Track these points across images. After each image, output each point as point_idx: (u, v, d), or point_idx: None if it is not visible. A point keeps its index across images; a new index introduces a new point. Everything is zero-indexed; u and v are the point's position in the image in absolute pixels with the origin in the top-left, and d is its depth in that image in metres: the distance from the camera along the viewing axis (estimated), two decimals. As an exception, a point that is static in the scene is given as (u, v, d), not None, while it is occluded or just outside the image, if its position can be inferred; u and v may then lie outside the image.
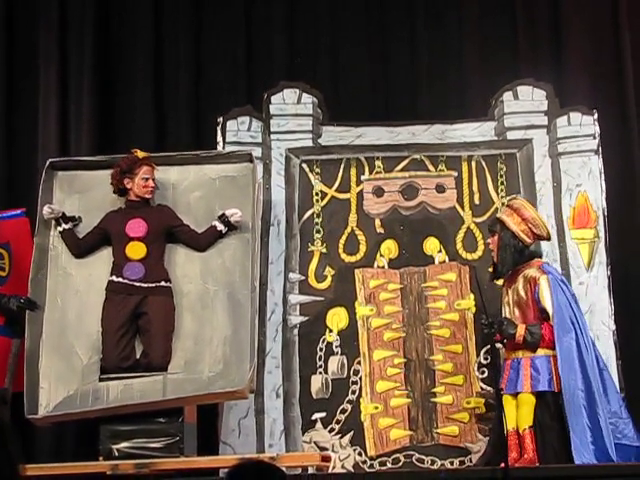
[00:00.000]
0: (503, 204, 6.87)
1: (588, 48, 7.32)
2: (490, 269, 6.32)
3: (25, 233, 6.57)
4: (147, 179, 6.24)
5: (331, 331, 6.78)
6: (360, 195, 6.99)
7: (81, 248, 6.28)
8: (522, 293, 6.03)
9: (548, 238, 6.31)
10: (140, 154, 6.29)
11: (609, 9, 7.37)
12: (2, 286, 6.41)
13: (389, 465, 6.56)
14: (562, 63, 7.33)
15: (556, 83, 7.11)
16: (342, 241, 6.92)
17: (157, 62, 7.45)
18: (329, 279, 6.86)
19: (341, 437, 6.61)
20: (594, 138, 6.90)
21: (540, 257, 6.23)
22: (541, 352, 5.95)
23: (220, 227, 6.25)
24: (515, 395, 5.94)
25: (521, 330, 5.93)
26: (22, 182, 7.22)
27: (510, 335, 5.94)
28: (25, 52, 7.44)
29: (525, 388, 5.90)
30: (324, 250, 6.91)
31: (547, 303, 5.94)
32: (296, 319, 6.79)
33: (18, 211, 6.64)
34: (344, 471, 6.47)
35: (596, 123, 6.91)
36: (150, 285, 6.09)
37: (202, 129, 7.27)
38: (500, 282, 6.28)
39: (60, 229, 6.29)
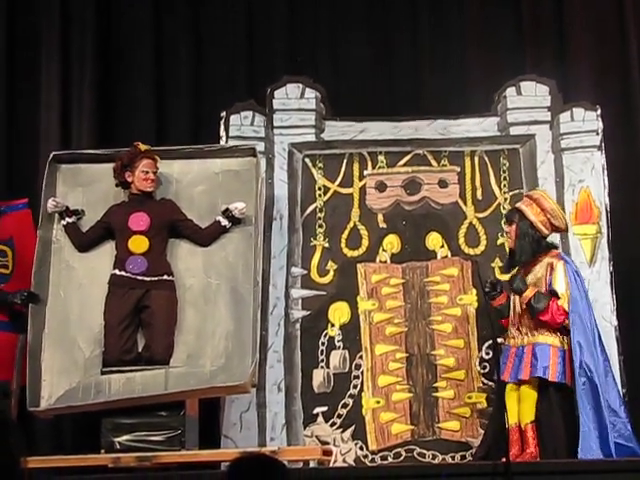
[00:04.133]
0: (506, 199, 6.89)
1: (592, 43, 7.31)
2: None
3: (28, 226, 6.57)
4: (147, 172, 6.23)
5: (333, 325, 6.78)
6: (363, 190, 6.99)
7: (84, 242, 6.29)
8: (539, 275, 6.02)
9: (566, 230, 6.30)
10: (142, 147, 6.29)
11: (614, 4, 7.35)
12: (6, 283, 6.42)
13: (390, 459, 6.57)
14: (566, 58, 7.32)
15: (559, 79, 7.10)
16: (344, 236, 6.92)
17: (159, 55, 7.45)
18: (331, 273, 6.87)
19: (342, 431, 6.62)
20: (597, 134, 6.90)
21: (557, 248, 6.23)
22: (542, 339, 5.95)
23: (224, 222, 6.25)
24: (517, 386, 5.93)
25: (530, 292, 5.92)
26: (24, 173, 7.23)
27: (519, 290, 5.94)
28: (27, 45, 7.44)
29: (524, 375, 5.87)
30: (326, 245, 6.91)
31: (558, 285, 5.91)
32: (298, 313, 6.80)
33: (20, 203, 6.63)
34: (345, 465, 6.48)
35: (599, 119, 6.91)
36: (153, 279, 6.10)
37: (205, 123, 7.27)
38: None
39: (64, 223, 6.29)
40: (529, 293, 5.94)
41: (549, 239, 6.15)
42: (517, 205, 6.22)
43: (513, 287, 6.00)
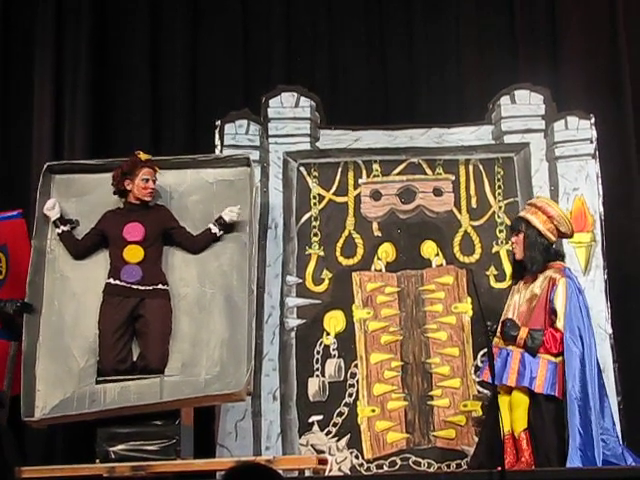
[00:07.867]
0: (500, 208, 6.90)
1: (586, 52, 7.33)
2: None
3: (22, 235, 6.56)
4: (147, 180, 6.24)
5: (328, 334, 6.79)
6: (358, 198, 7.00)
7: (80, 249, 6.28)
8: (537, 291, 5.95)
9: (572, 235, 6.25)
10: (143, 156, 6.29)
11: (607, 14, 7.38)
12: (-1, 290, 6.42)
13: (386, 468, 6.57)
14: (560, 67, 7.34)
15: (554, 87, 7.12)
16: (339, 244, 6.93)
17: (154, 64, 7.47)
18: (326, 282, 6.88)
19: (338, 440, 6.62)
20: (591, 142, 6.91)
21: (563, 259, 6.16)
22: None
23: (214, 230, 6.25)
24: (508, 393, 5.90)
25: (523, 333, 5.85)
26: (16, 183, 7.24)
27: (511, 337, 5.86)
28: (20, 51, 7.46)
29: (510, 381, 5.83)
30: (321, 253, 6.92)
31: (559, 305, 5.85)
32: (293, 322, 6.80)
33: (14, 212, 6.62)
34: (341, 474, 6.48)
35: (593, 127, 6.93)
36: (147, 288, 6.10)
37: (200, 132, 7.28)
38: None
39: (58, 231, 6.29)
40: (522, 334, 5.86)
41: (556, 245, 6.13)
42: (522, 214, 6.13)
43: (505, 335, 5.89)
